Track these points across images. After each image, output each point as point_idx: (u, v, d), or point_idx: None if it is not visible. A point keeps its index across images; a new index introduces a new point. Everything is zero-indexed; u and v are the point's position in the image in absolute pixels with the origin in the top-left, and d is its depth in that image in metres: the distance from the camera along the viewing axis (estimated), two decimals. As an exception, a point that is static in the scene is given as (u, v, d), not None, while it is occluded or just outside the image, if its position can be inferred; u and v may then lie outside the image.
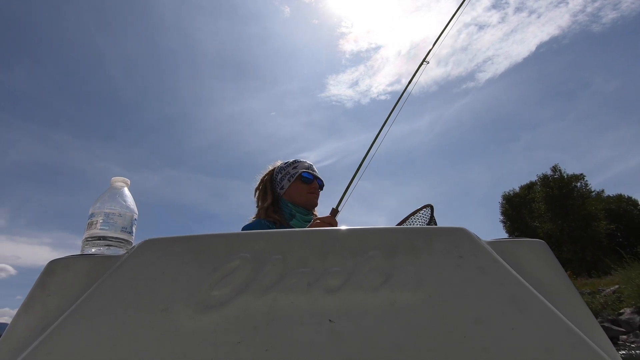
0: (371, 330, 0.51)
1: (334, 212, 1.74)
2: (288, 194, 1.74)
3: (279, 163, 1.86)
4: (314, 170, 1.79)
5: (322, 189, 1.81)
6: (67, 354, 0.50)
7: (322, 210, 1.84)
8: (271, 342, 0.50)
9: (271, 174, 1.84)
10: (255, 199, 1.82)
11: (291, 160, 1.82)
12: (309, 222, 1.74)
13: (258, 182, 1.85)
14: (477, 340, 0.49)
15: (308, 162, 1.81)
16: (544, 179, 31.76)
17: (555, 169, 31.67)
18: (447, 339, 0.50)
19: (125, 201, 0.85)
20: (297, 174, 1.74)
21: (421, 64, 2.44)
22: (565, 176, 30.84)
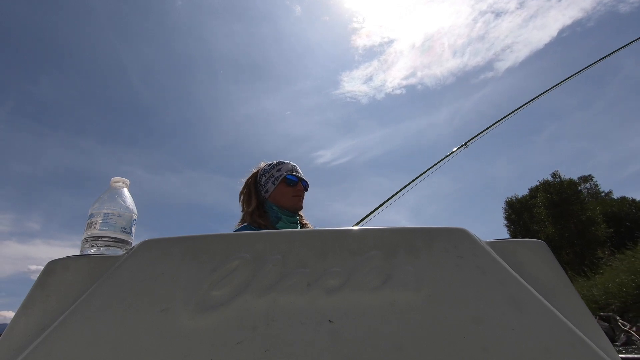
0: (371, 330, 0.51)
1: None
2: (273, 197, 1.71)
3: (262, 165, 1.82)
4: (298, 172, 1.77)
5: (306, 190, 1.79)
6: (66, 354, 0.50)
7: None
8: (271, 342, 0.50)
9: (255, 177, 1.81)
10: (240, 203, 1.79)
11: (275, 162, 1.79)
12: (296, 223, 1.73)
13: (242, 186, 1.82)
14: (477, 340, 0.49)
15: (292, 163, 1.79)
16: (545, 184, 31.92)
17: (555, 175, 31.92)
18: (446, 339, 0.50)
19: (124, 201, 0.85)
20: (281, 177, 1.71)
21: (460, 147, 2.51)
22: (565, 182, 31.04)
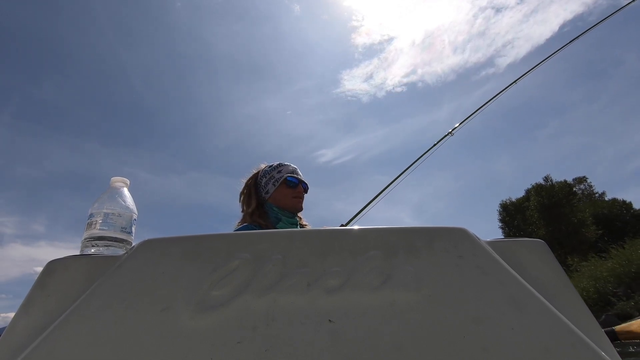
0: (371, 330, 0.51)
1: None
2: (273, 198, 1.73)
3: (263, 166, 1.84)
4: (298, 174, 1.79)
5: (306, 192, 1.81)
6: (66, 354, 0.50)
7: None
8: (271, 342, 0.50)
9: (255, 178, 1.82)
10: (240, 203, 1.81)
11: (276, 163, 1.81)
12: (295, 224, 1.74)
13: (243, 186, 1.84)
14: (477, 340, 0.49)
15: (292, 165, 1.81)
16: (537, 188, 32.31)
17: (547, 178, 32.39)
18: (446, 339, 0.50)
19: (124, 201, 0.84)
20: (282, 178, 1.73)
21: (446, 135, 2.52)
22: (556, 185, 31.49)
